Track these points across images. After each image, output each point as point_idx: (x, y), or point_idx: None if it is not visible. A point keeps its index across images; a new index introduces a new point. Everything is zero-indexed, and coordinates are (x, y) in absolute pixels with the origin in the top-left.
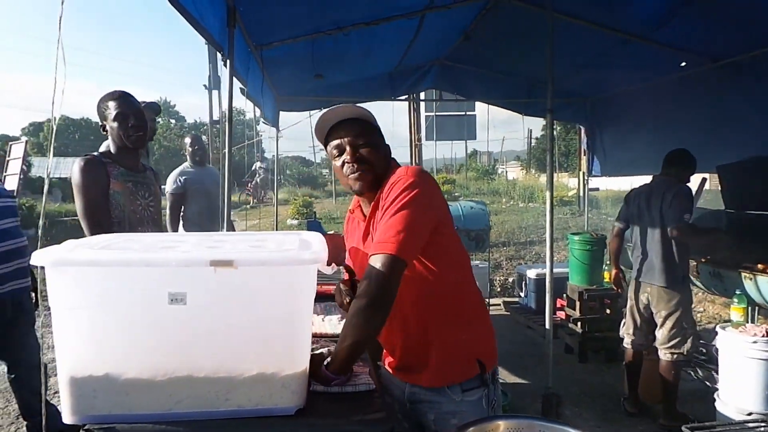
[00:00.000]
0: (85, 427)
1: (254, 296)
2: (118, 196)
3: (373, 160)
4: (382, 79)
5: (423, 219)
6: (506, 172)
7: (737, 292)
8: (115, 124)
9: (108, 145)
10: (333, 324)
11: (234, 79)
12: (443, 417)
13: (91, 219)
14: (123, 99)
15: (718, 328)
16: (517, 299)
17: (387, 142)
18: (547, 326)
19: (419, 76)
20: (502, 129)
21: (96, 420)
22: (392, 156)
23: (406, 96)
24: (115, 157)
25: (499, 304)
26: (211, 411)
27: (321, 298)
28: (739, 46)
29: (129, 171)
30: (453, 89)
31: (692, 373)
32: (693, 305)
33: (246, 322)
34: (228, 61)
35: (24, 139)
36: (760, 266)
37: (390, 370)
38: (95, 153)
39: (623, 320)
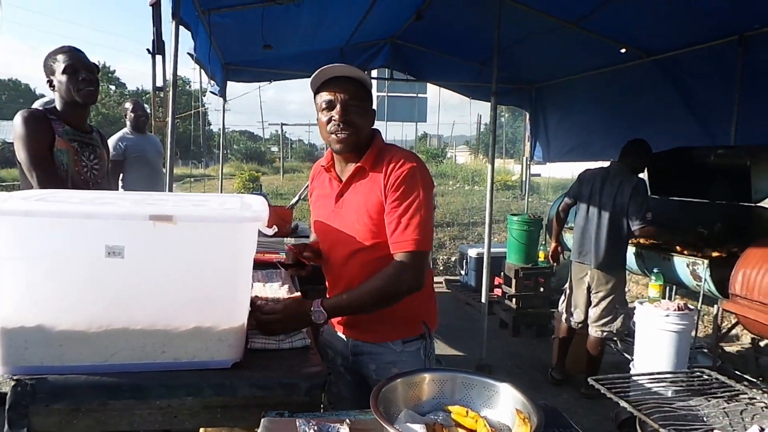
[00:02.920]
0: (15, 377)
1: (193, 252)
2: (61, 155)
3: (359, 124)
4: (332, 53)
5: (431, 210)
6: (455, 156)
7: (654, 271)
8: (64, 78)
9: (43, 103)
10: (274, 289)
11: (180, 43)
12: (384, 367)
13: (38, 168)
14: (73, 53)
15: (636, 304)
16: (458, 277)
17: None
18: (483, 301)
19: (371, 53)
20: (453, 113)
21: (27, 371)
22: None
23: None
24: (61, 114)
25: (441, 283)
26: (148, 363)
27: (263, 266)
28: (673, 41)
29: (75, 130)
30: (404, 69)
31: (613, 345)
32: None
33: (184, 277)
34: (174, 21)
35: None
36: (678, 248)
37: (334, 326)
38: (39, 107)
39: (562, 297)
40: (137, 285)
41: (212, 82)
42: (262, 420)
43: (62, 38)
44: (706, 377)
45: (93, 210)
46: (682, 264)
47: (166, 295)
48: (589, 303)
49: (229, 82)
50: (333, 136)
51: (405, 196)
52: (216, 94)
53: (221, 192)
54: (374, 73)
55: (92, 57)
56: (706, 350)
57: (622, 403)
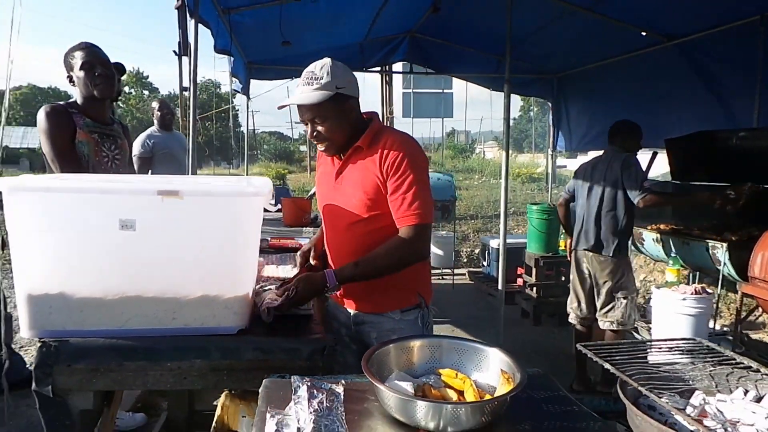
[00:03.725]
0: (41, 340)
1: (199, 225)
2: (82, 146)
3: (331, 136)
4: (352, 49)
5: (428, 186)
6: (483, 151)
7: (672, 255)
8: (81, 73)
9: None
10: (286, 271)
11: (205, 45)
12: (384, 334)
13: (61, 159)
14: (89, 49)
15: (653, 288)
16: (481, 269)
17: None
18: (500, 287)
19: (391, 48)
20: (482, 109)
21: (52, 334)
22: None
23: (379, 69)
24: (81, 107)
25: (464, 274)
26: (159, 328)
27: (278, 250)
28: (693, 24)
29: (95, 122)
30: (424, 62)
31: (633, 333)
32: (645, 275)
33: (191, 248)
34: (193, 20)
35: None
36: (696, 232)
37: (336, 299)
38: (61, 102)
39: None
40: (148, 256)
41: (235, 80)
42: (264, 381)
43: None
44: (696, 344)
45: (106, 186)
46: (701, 248)
47: (175, 266)
48: (593, 295)
49: (253, 81)
50: (318, 147)
51: (403, 176)
52: (239, 92)
53: None
54: (395, 67)
55: (126, 64)
56: (730, 337)
57: (606, 365)
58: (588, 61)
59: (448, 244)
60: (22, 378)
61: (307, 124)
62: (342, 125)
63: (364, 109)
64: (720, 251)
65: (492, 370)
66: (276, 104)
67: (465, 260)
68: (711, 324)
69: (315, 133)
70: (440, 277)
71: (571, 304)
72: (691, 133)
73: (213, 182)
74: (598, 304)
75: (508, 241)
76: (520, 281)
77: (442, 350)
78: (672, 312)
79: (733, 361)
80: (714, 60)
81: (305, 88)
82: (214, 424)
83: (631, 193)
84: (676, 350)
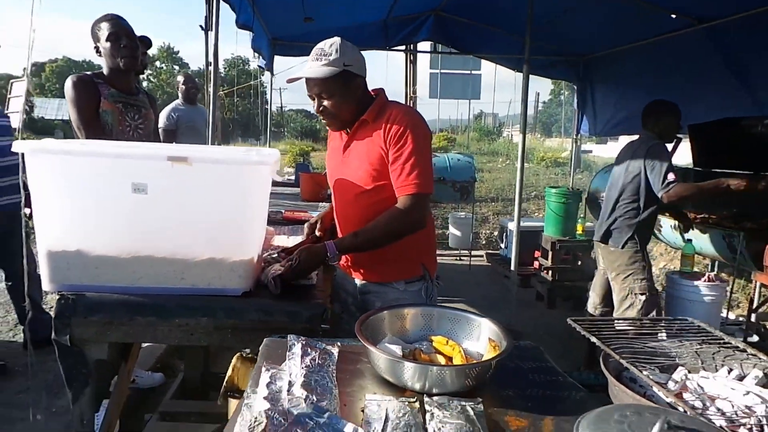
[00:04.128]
0: (60, 293)
1: (207, 191)
2: (107, 116)
3: (335, 110)
4: (375, 26)
5: (429, 157)
6: (511, 135)
7: (686, 240)
8: (107, 45)
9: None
10: (295, 241)
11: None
12: (389, 304)
13: (85, 127)
14: (115, 20)
15: (666, 274)
16: (499, 251)
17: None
18: (513, 268)
19: (415, 26)
20: (510, 91)
21: (70, 288)
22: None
23: (403, 48)
24: (107, 78)
25: (482, 256)
26: (169, 287)
27: (291, 222)
28: (723, 7)
29: (120, 92)
30: (448, 42)
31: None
32: (665, 263)
33: (199, 213)
34: None
35: (25, 77)
36: (713, 219)
37: (344, 269)
38: (87, 72)
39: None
40: (159, 218)
41: (257, 55)
42: (265, 340)
43: (130, 21)
44: (687, 324)
45: (120, 150)
46: (718, 236)
47: (183, 229)
48: (609, 290)
49: (278, 58)
50: (324, 121)
51: (404, 146)
52: (263, 68)
53: None
54: (420, 46)
55: (158, 39)
56: (744, 327)
57: (592, 339)
58: (615, 44)
59: (467, 226)
60: (49, 336)
61: (314, 99)
62: (347, 102)
63: (388, 88)
64: (737, 239)
65: (482, 339)
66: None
67: (484, 242)
68: (725, 313)
69: (321, 108)
70: (458, 258)
71: (590, 298)
72: (716, 119)
73: (222, 151)
74: (615, 302)
75: (527, 224)
76: (536, 264)
77: (436, 319)
78: (684, 298)
79: (721, 341)
80: (744, 45)
81: (314, 63)
82: (224, 383)
83: (654, 186)
84: (666, 328)
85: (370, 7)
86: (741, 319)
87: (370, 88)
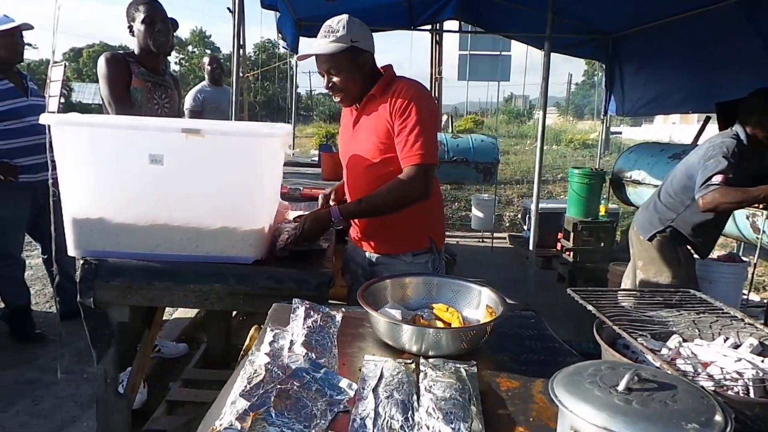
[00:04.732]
0: (84, 258)
1: (220, 162)
2: (136, 93)
3: (345, 86)
4: (400, 6)
5: (435, 129)
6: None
7: None
8: (142, 27)
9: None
10: None
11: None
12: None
13: (116, 102)
14: (152, 5)
15: None
16: (522, 234)
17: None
18: (531, 248)
19: (440, 5)
20: (541, 73)
21: (93, 254)
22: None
23: (429, 27)
24: (138, 57)
25: (505, 238)
26: (184, 255)
27: (308, 199)
28: None
29: (149, 72)
30: (474, 21)
31: None
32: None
33: (213, 183)
34: None
35: (64, 62)
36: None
37: (354, 241)
38: (120, 51)
39: None
40: (175, 188)
41: (280, 35)
42: (273, 305)
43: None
44: (689, 295)
45: (137, 123)
46: (741, 216)
47: (198, 198)
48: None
49: (304, 39)
50: (334, 98)
51: (409, 119)
52: (287, 49)
53: (294, 147)
54: (446, 26)
55: (189, 23)
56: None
57: (589, 307)
58: (645, 21)
59: (489, 207)
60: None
61: (323, 76)
62: (355, 77)
63: (414, 69)
64: (760, 219)
65: (482, 307)
66: None
67: (507, 224)
68: (748, 294)
69: (331, 84)
70: (480, 240)
71: (622, 284)
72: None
73: (234, 124)
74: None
75: (551, 205)
76: (559, 246)
77: (438, 287)
78: (700, 278)
79: (720, 311)
80: None
81: (322, 40)
82: (242, 352)
83: (696, 186)
84: (666, 299)
85: None
86: (766, 301)
87: (396, 69)
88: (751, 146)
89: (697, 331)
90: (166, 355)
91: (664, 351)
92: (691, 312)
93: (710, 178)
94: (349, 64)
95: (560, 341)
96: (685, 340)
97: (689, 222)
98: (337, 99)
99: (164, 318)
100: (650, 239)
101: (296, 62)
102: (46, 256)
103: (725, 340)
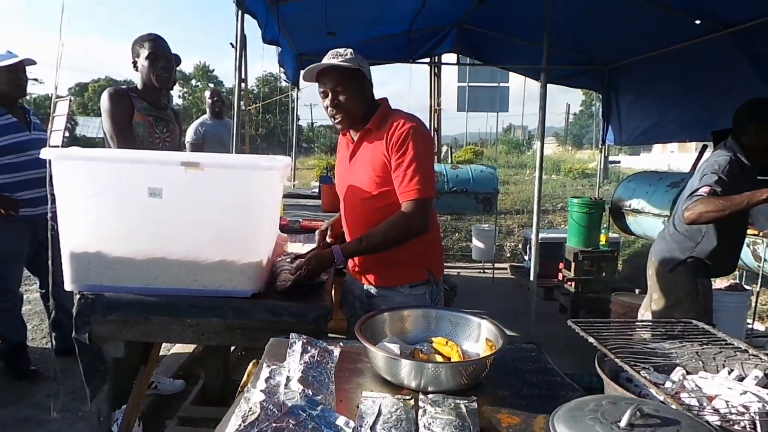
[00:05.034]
0: (81, 293)
1: (219, 195)
2: (138, 127)
3: (349, 105)
4: (400, 40)
5: (431, 163)
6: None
7: None
8: (146, 63)
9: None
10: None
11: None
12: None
13: (118, 136)
14: (157, 42)
15: None
16: (523, 264)
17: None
18: (532, 279)
19: (439, 39)
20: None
21: (89, 288)
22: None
23: (427, 60)
24: (141, 92)
25: (506, 269)
26: (182, 288)
27: (308, 231)
28: (749, 11)
29: (151, 106)
30: (472, 53)
31: None
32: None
33: (211, 216)
34: (240, 11)
35: (69, 97)
36: None
37: (352, 274)
38: (123, 86)
39: None
40: (173, 222)
41: (281, 69)
42: (270, 339)
43: (168, 40)
44: (691, 326)
45: (136, 156)
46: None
47: (196, 232)
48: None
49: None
50: (332, 119)
51: (406, 153)
52: (288, 82)
53: (294, 179)
54: (444, 58)
55: (193, 58)
56: None
57: (590, 339)
58: (640, 52)
59: (490, 238)
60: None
61: (327, 96)
62: (358, 99)
63: (413, 101)
64: (761, 247)
65: (482, 340)
66: None
67: (508, 255)
68: (753, 324)
69: (336, 102)
70: (481, 271)
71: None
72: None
73: (233, 157)
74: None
75: (551, 235)
76: (560, 276)
77: (437, 320)
78: None
79: (723, 342)
80: None
81: (332, 60)
82: (239, 388)
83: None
84: (669, 330)
85: (391, 20)
86: None
87: (396, 100)
88: (750, 161)
89: (701, 363)
90: (162, 391)
91: (668, 384)
92: (694, 343)
93: (696, 190)
94: (355, 85)
95: (562, 375)
96: (689, 373)
97: (708, 249)
98: (337, 119)
99: (161, 353)
100: (671, 270)
101: (297, 94)
102: (43, 291)
103: (730, 372)
